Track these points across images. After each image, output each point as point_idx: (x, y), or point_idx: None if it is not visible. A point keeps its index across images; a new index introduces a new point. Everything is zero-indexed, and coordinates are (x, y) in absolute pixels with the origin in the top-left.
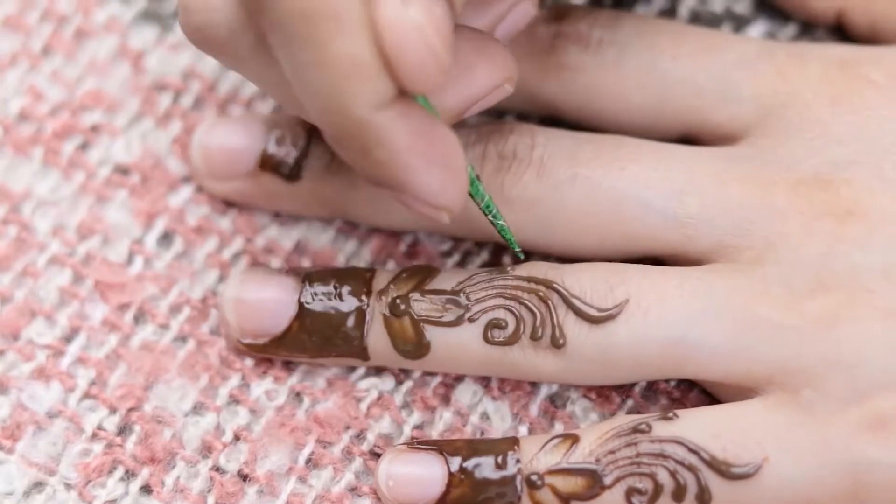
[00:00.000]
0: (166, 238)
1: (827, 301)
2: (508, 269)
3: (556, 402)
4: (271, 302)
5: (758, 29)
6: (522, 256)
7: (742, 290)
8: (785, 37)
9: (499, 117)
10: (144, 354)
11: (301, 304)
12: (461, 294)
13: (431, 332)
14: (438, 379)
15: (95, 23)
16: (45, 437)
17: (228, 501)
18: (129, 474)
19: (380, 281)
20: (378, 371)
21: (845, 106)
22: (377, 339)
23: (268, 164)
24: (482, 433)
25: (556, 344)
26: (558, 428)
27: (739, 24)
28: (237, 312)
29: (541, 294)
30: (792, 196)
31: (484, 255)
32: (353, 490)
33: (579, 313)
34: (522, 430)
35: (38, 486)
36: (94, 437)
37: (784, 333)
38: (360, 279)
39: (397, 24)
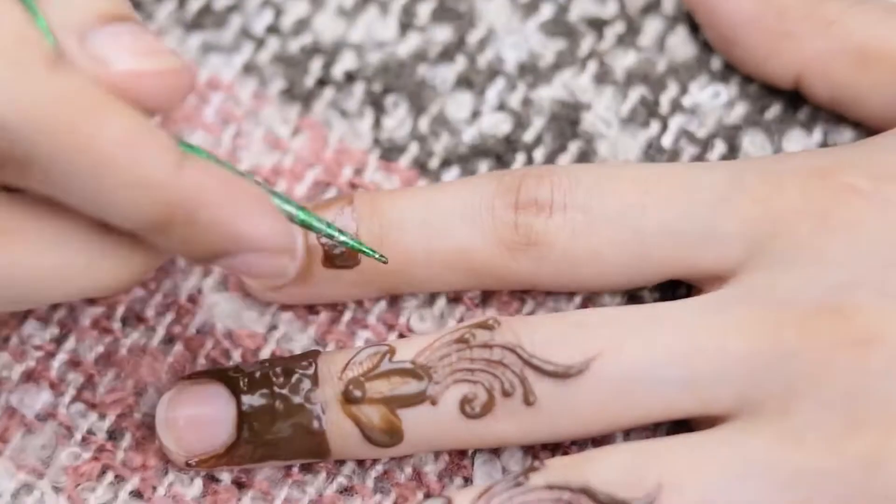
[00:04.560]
0: None
1: (866, 439)
2: (521, 478)
3: None
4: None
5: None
6: (385, 260)
7: (777, 445)
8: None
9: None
10: (134, 358)
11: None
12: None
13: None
14: None
15: None
16: (34, 440)
17: None
18: (119, 479)
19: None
20: None
21: (833, 223)
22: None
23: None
24: None
25: None
26: None
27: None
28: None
29: (568, 499)
30: (802, 333)
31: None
32: (344, 491)
33: None
34: None
35: (27, 488)
36: (85, 441)
37: (830, 480)
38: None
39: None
